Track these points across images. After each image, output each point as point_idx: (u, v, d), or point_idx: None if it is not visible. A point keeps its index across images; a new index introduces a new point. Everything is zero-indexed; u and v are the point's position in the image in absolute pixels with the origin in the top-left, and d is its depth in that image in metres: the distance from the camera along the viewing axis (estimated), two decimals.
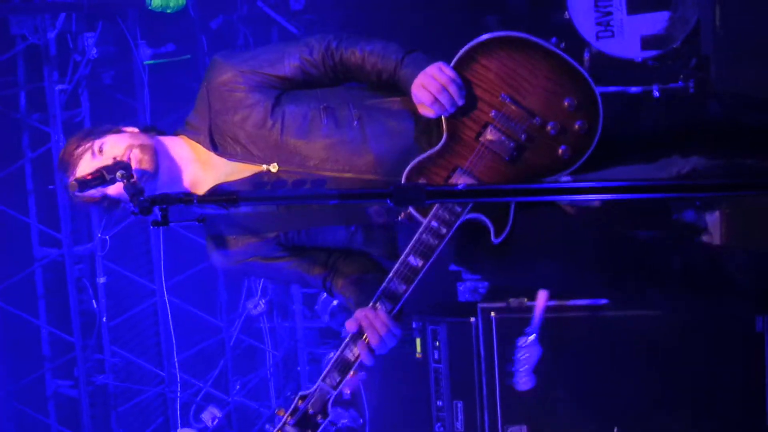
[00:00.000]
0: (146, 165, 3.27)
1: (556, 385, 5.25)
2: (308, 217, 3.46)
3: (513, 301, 5.25)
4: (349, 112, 3.37)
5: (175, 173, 3.39)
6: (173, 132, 3.51)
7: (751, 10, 5.09)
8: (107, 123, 3.51)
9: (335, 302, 7.04)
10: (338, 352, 3.27)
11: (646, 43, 5.99)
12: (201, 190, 3.43)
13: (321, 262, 3.55)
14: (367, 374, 6.58)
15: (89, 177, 2.98)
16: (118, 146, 3.29)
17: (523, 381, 5.12)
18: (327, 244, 3.53)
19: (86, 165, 3.26)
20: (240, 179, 3.40)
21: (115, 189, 3.20)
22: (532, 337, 5.09)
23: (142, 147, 3.29)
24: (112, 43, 6.04)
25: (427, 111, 3.27)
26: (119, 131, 3.40)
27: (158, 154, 3.33)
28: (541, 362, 5.19)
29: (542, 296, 5.12)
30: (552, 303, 5.13)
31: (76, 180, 2.95)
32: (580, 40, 6.09)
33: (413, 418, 6.22)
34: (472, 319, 5.46)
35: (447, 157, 3.30)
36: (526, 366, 5.12)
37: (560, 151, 3.27)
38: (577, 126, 3.26)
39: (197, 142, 3.43)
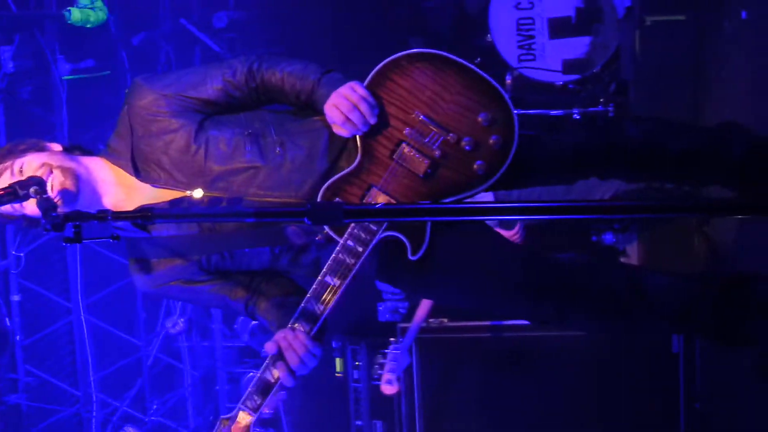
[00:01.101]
0: (68, 186, 3.21)
1: (476, 404, 5.26)
2: (229, 239, 3.42)
3: (432, 321, 5.25)
4: (271, 138, 3.34)
5: (97, 197, 3.33)
6: (96, 154, 3.45)
7: (669, 37, 5.17)
8: (26, 138, 3.44)
9: (255, 321, 7.01)
10: (258, 374, 3.23)
11: (567, 67, 6.05)
12: None
13: (243, 285, 3.51)
14: (287, 393, 6.55)
15: (1, 193, 2.91)
16: (37, 165, 3.23)
17: (388, 385, 5.17)
18: (252, 267, 3.50)
19: (4, 184, 3.19)
20: (162, 203, 3.34)
21: (31, 206, 3.13)
22: (402, 345, 5.17)
23: (62, 169, 3.23)
24: (30, 57, 5.95)
25: (340, 130, 3.27)
26: (42, 149, 3.34)
27: (79, 177, 3.27)
28: (461, 381, 5.21)
29: (423, 306, 5.18)
30: (470, 323, 5.18)
31: None
32: (502, 63, 6.14)
33: None
34: (392, 339, 5.45)
35: (361, 176, 3.28)
36: (393, 373, 5.17)
37: (475, 166, 3.26)
38: (492, 141, 3.26)
39: (119, 166, 3.37)
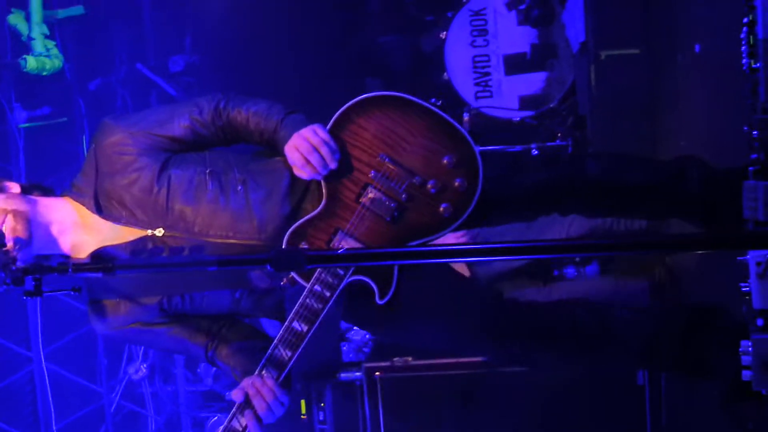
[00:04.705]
0: (19, 233, 3.18)
1: None
2: (190, 281, 3.40)
3: (397, 360, 5.23)
4: (233, 176, 3.34)
5: (53, 238, 3.30)
6: (60, 193, 3.43)
7: (624, 71, 5.22)
8: None
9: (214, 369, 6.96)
10: (225, 423, 3.20)
11: (524, 102, 6.09)
12: (83, 253, 3.34)
13: (204, 329, 3.49)
14: None
15: None
16: None
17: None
18: (212, 311, 3.48)
19: None
20: (124, 243, 3.33)
21: None
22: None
23: (15, 214, 3.21)
24: None
25: (300, 173, 3.28)
26: (0, 189, 3.31)
27: (32, 222, 3.23)
28: (428, 419, 5.18)
29: None
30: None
31: None
32: (459, 100, 6.17)
33: None
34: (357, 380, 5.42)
35: (328, 220, 3.28)
36: None
37: (441, 209, 3.28)
38: (457, 183, 3.28)
39: (82, 204, 3.35)
